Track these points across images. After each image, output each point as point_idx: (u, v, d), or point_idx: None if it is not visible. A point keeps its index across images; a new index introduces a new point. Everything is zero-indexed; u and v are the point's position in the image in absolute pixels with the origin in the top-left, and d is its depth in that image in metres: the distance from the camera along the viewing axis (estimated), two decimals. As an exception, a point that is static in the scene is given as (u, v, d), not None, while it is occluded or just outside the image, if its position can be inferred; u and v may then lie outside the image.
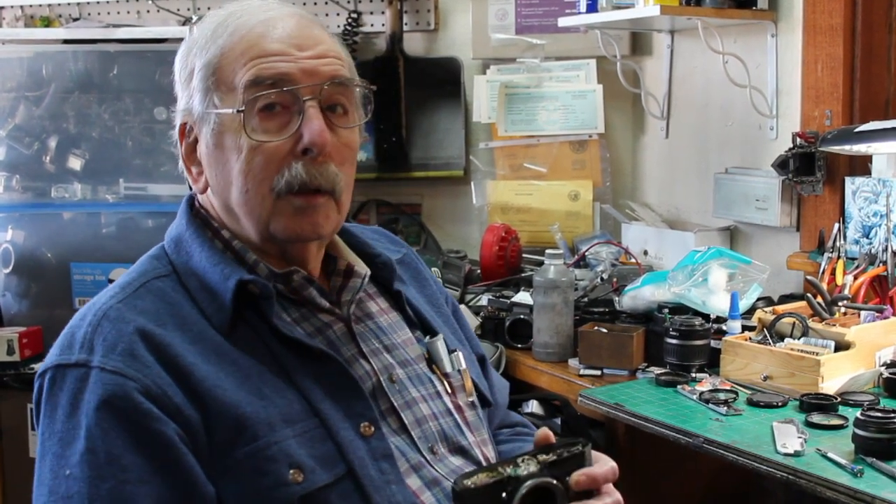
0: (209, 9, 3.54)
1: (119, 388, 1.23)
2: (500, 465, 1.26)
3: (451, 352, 1.53)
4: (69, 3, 3.76)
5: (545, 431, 1.34)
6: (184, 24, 3.40)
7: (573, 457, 1.31)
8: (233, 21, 1.39)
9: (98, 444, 1.21)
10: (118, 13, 3.73)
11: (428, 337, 1.54)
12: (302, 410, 1.31)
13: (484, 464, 1.46)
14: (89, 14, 3.74)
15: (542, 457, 1.29)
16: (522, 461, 1.27)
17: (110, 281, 2.98)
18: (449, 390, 1.49)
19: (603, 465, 1.32)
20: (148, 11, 3.66)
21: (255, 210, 1.37)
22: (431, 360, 1.51)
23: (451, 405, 1.48)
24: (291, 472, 1.26)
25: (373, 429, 1.34)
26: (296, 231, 1.39)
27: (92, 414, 1.22)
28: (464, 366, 1.52)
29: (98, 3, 3.75)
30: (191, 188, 1.48)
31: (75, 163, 3.14)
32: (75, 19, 3.69)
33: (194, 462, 1.24)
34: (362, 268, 1.49)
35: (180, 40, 1.48)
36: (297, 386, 1.33)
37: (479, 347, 1.70)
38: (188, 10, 3.58)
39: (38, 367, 1.34)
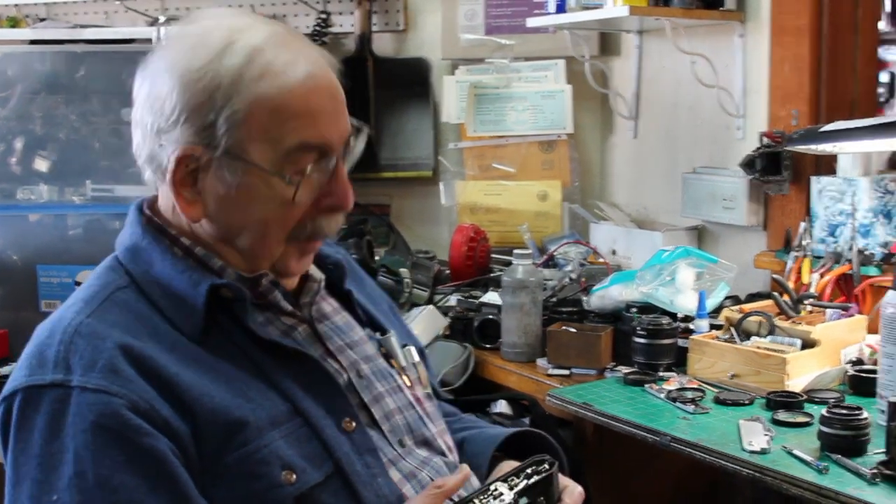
0: (177, 9, 3.56)
1: (105, 406, 1.19)
2: (476, 498, 1.27)
3: (402, 346, 1.55)
4: (36, 4, 3.73)
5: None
6: (152, 24, 3.36)
7: (543, 480, 1.33)
8: (267, 65, 1.31)
9: (87, 467, 1.17)
10: (85, 14, 3.70)
11: (379, 333, 1.56)
12: (287, 411, 1.31)
13: (447, 453, 1.48)
14: (56, 14, 3.71)
15: (514, 480, 1.30)
16: (496, 489, 1.28)
17: (77, 283, 2.98)
18: (408, 383, 1.51)
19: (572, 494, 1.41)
20: (116, 12, 3.63)
21: (266, 254, 1.38)
22: (388, 356, 1.53)
23: (411, 398, 1.50)
24: (284, 473, 1.26)
25: (354, 424, 1.35)
26: (296, 271, 1.43)
27: (80, 436, 1.18)
28: (417, 359, 1.55)
29: (65, 3, 3.72)
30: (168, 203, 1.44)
31: (41, 164, 3.10)
32: (42, 20, 3.65)
33: (187, 476, 1.22)
34: (317, 272, 1.50)
35: (148, 41, 1.42)
36: (277, 387, 1.33)
37: (418, 342, 1.71)
38: (156, 10, 3.56)
39: (4, 388, 1.27)
